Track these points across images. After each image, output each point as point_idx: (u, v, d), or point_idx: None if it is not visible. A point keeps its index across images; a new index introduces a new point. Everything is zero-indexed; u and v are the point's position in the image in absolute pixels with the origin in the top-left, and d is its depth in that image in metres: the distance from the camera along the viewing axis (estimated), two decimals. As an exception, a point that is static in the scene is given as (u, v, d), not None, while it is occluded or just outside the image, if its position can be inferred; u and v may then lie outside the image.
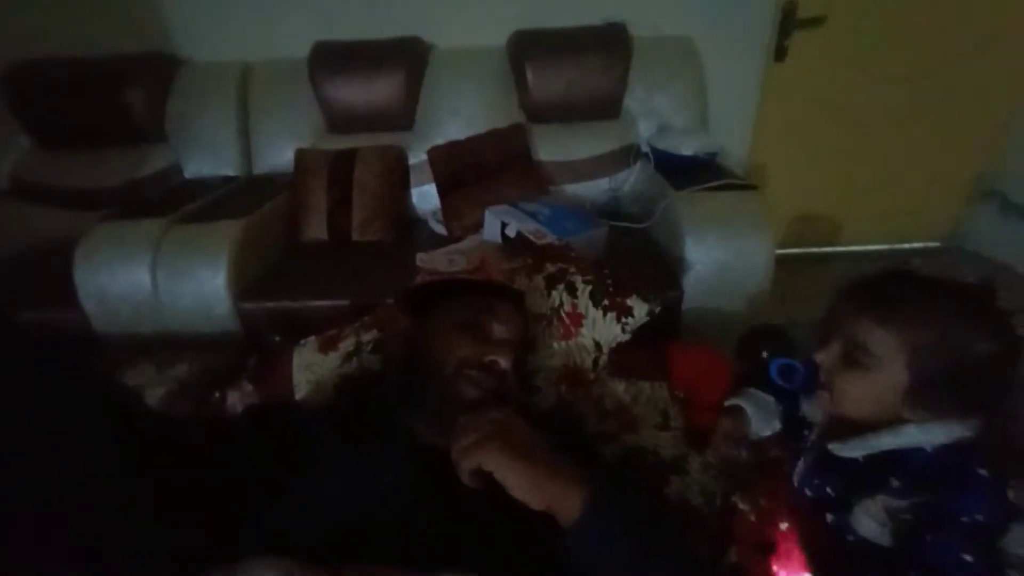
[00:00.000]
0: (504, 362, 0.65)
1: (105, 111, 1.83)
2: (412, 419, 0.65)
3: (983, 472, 0.54)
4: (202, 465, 0.53)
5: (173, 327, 1.42)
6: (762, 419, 0.77)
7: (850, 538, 0.60)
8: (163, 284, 1.39)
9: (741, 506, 0.68)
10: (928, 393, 0.55)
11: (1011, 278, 1.96)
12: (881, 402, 0.58)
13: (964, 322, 0.54)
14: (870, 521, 0.58)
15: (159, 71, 1.85)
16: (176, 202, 1.60)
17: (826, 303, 0.64)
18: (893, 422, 0.58)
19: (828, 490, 0.64)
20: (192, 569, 0.45)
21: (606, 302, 0.83)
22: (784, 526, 0.65)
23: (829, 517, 0.63)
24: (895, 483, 0.57)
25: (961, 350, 0.53)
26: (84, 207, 1.81)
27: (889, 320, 0.56)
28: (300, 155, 1.73)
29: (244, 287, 1.42)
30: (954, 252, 2.21)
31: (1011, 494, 0.53)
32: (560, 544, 0.50)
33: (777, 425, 0.76)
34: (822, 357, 0.61)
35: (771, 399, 0.77)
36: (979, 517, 0.52)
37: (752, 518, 0.66)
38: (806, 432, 0.70)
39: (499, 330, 0.69)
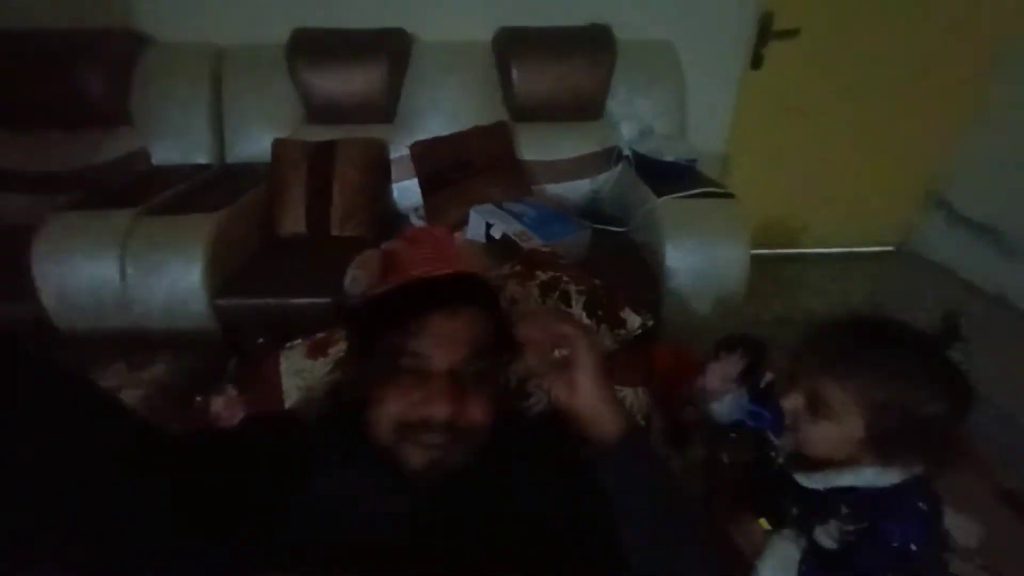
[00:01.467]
0: (441, 412, 0.53)
1: (61, 89, 1.71)
2: None
3: (922, 505, 0.62)
4: (201, 476, 0.51)
5: (143, 323, 1.37)
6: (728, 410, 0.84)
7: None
8: (132, 279, 1.33)
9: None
10: (882, 444, 0.62)
11: (953, 283, 2.12)
12: (839, 448, 0.64)
13: (916, 382, 0.60)
14: (827, 539, 0.66)
15: (122, 49, 1.75)
16: (145, 191, 1.53)
17: (790, 352, 0.70)
18: (852, 461, 0.64)
19: (793, 509, 0.71)
20: None
21: (600, 312, 0.86)
22: None
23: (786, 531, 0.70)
24: (845, 510, 0.64)
25: (913, 409, 0.59)
26: (40, 191, 1.70)
27: (847, 379, 0.62)
28: (278, 145, 1.68)
29: (220, 283, 1.38)
30: (905, 257, 2.36)
31: (945, 521, 0.63)
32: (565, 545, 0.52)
33: (727, 407, 0.82)
34: (787, 404, 0.67)
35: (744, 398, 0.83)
36: (912, 546, 0.60)
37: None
38: (772, 454, 0.76)
39: (438, 355, 0.55)
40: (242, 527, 0.50)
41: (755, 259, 1.37)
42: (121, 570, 0.41)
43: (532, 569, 0.52)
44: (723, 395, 0.87)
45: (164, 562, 0.44)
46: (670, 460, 0.85)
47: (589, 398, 0.55)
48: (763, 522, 0.72)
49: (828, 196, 2.25)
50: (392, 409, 0.55)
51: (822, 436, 0.64)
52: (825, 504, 0.65)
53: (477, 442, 0.57)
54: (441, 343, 0.55)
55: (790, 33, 1.85)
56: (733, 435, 0.88)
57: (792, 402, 0.66)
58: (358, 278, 0.64)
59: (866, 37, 1.92)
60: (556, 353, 0.58)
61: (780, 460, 0.73)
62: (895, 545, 0.60)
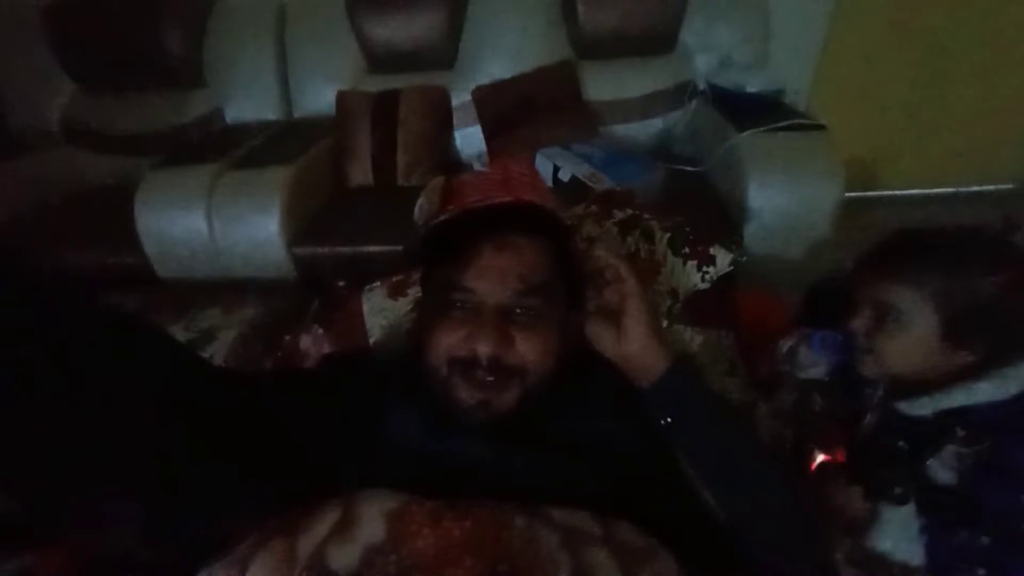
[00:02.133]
0: (486, 349, 0.50)
1: (143, 50, 1.80)
2: None
3: None
4: (276, 416, 0.51)
5: (231, 271, 1.46)
6: (813, 357, 0.78)
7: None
8: (219, 230, 1.42)
9: (820, 456, 0.68)
10: (963, 334, 0.58)
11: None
12: (923, 353, 0.60)
13: (972, 259, 0.59)
14: (946, 470, 0.59)
15: (194, 6, 1.80)
16: (223, 147, 1.60)
17: (854, 268, 0.68)
18: (957, 377, 0.60)
19: (901, 444, 0.65)
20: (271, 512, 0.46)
21: (686, 250, 0.81)
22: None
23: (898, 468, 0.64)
24: (960, 432, 0.59)
25: (976, 284, 0.57)
26: (131, 152, 1.83)
27: (903, 274, 0.60)
28: (342, 98, 1.69)
29: (296, 232, 1.44)
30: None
31: None
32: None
33: (823, 372, 0.76)
34: (856, 324, 0.64)
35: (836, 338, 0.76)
36: None
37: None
38: (869, 390, 0.70)
39: (485, 288, 0.52)
40: (309, 461, 0.51)
41: (848, 201, 1.24)
42: (188, 500, 0.42)
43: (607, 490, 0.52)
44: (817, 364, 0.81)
45: (228, 494, 0.46)
46: (755, 407, 0.81)
47: (638, 345, 0.52)
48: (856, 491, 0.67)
49: (935, 128, 1.98)
50: (443, 344, 0.53)
51: (900, 347, 0.61)
52: (937, 430, 0.60)
53: (533, 385, 0.53)
54: (488, 275, 0.52)
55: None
56: (826, 379, 0.81)
57: (861, 322, 0.63)
58: (422, 207, 0.62)
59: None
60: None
61: (879, 394, 0.67)
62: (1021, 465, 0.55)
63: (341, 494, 0.45)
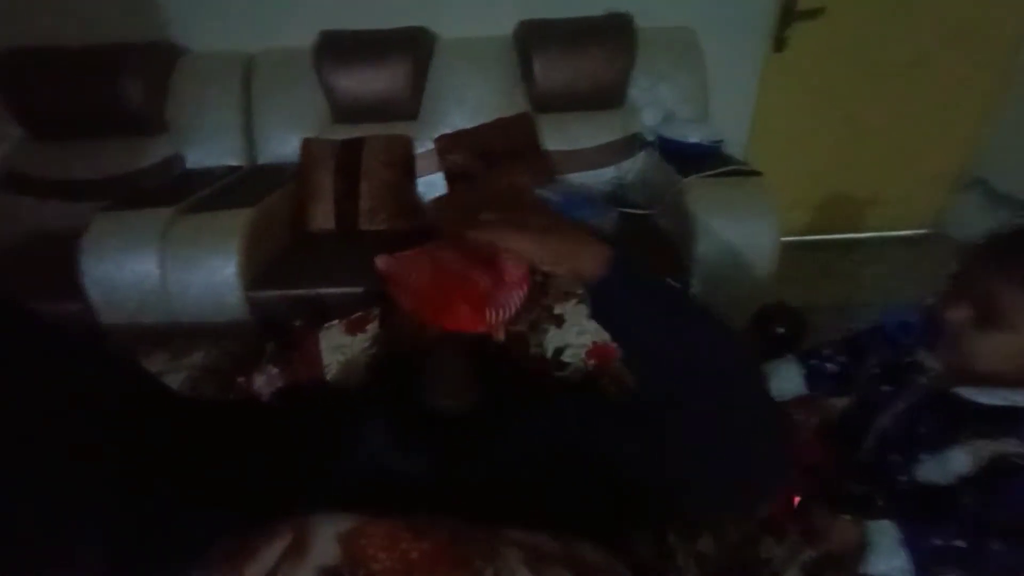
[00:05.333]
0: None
1: (102, 101, 1.79)
2: (424, 388, 0.63)
3: None
4: (236, 447, 0.52)
5: (181, 317, 1.41)
6: (782, 381, 0.81)
7: (903, 478, 0.64)
8: (172, 274, 1.37)
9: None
10: None
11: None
12: (1012, 360, 0.59)
13: None
14: (967, 459, 0.60)
15: (159, 60, 1.82)
16: (181, 191, 1.58)
17: (961, 257, 0.64)
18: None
19: (922, 429, 0.65)
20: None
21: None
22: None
23: (895, 456, 0.66)
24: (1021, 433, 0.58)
25: None
26: (82, 198, 1.77)
27: (1018, 278, 0.57)
28: (307, 144, 1.72)
29: (254, 276, 1.41)
30: (940, 240, 2.28)
31: None
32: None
33: (802, 388, 0.79)
34: (954, 316, 0.61)
35: (794, 366, 0.80)
36: None
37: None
38: (913, 375, 0.70)
39: None
40: (269, 490, 0.51)
41: (781, 246, 1.34)
42: (145, 535, 0.42)
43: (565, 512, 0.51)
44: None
45: (186, 525, 0.45)
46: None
47: (561, 269, 0.50)
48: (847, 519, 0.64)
49: (856, 179, 2.20)
50: None
51: (993, 348, 0.59)
52: (998, 422, 0.59)
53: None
54: None
55: (814, 13, 1.83)
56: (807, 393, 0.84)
57: (959, 313, 0.61)
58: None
59: (894, 13, 1.88)
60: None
61: (923, 381, 0.68)
62: None
63: (291, 517, 0.43)
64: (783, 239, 1.32)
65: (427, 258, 0.60)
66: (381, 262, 0.62)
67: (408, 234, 0.67)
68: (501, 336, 0.65)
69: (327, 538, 0.40)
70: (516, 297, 0.59)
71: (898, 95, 2.03)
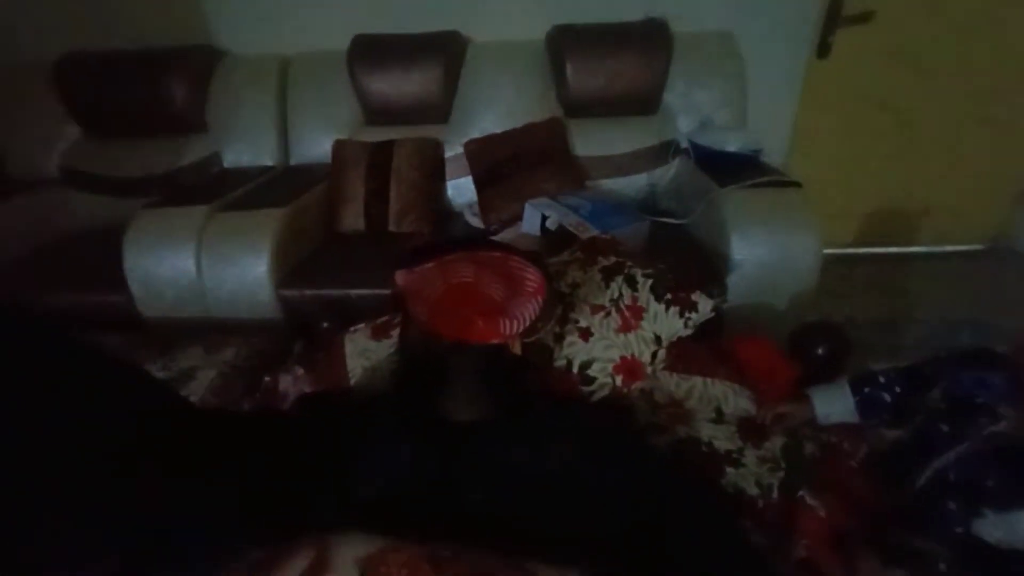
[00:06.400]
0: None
1: (149, 102, 1.86)
2: (441, 398, 0.63)
3: None
4: (255, 458, 0.53)
5: (216, 312, 1.44)
6: (830, 407, 0.77)
7: (958, 529, 0.59)
8: (207, 270, 1.41)
9: (810, 501, 0.66)
10: None
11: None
12: None
13: None
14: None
15: (201, 63, 1.88)
16: (217, 190, 1.62)
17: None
18: None
19: (990, 482, 0.62)
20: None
21: (668, 296, 0.82)
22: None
23: (953, 505, 0.61)
24: None
25: None
26: (129, 194, 1.85)
27: None
28: (339, 146, 1.74)
29: (285, 274, 1.44)
30: (998, 255, 2.15)
31: None
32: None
33: (852, 415, 0.74)
34: None
35: (844, 391, 0.76)
36: None
37: (821, 514, 0.65)
38: (983, 420, 0.67)
39: None
40: (282, 500, 0.51)
41: (825, 258, 1.28)
42: (170, 543, 0.42)
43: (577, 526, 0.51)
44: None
45: (206, 532, 0.45)
46: (743, 452, 0.80)
47: None
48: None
49: (907, 190, 2.09)
50: None
51: None
52: None
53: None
54: None
55: (863, 17, 1.75)
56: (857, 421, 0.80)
57: None
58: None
59: (948, 16, 1.78)
60: None
61: (996, 429, 0.64)
62: None
63: (312, 534, 0.43)
64: (826, 251, 1.27)
65: (442, 272, 0.61)
66: (399, 277, 0.62)
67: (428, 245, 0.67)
68: (517, 349, 0.65)
69: (347, 562, 0.40)
70: (532, 307, 0.59)
71: (953, 101, 1.92)
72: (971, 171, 2.04)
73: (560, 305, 0.84)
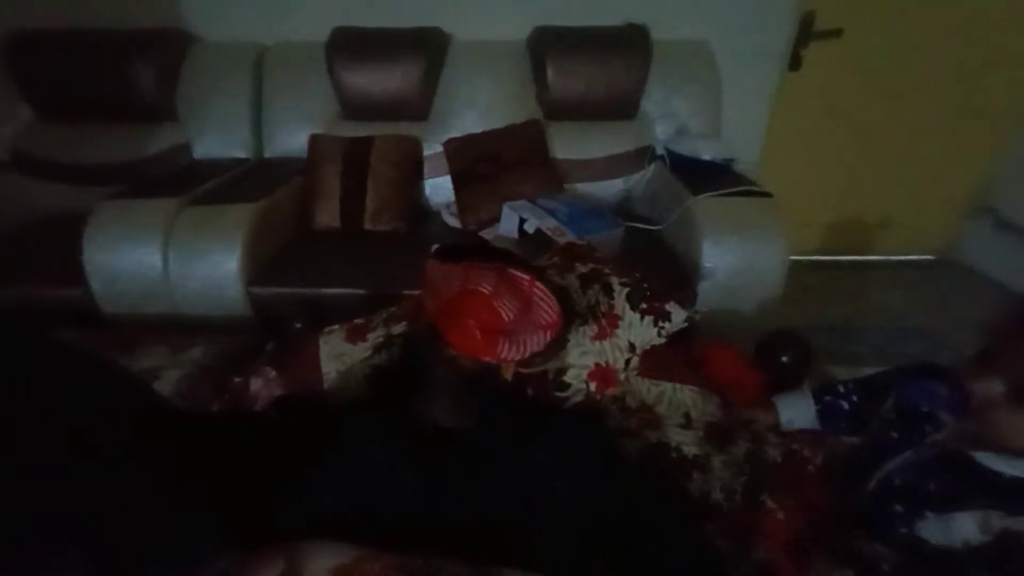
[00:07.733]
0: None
1: (113, 85, 1.78)
2: (427, 401, 0.64)
3: None
4: (229, 461, 0.52)
5: (182, 309, 1.40)
6: (794, 413, 0.81)
7: (903, 530, 0.62)
8: (174, 265, 1.37)
9: (770, 504, 0.69)
10: None
11: (998, 293, 2.02)
12: None
13: None
14: (974, 527, 0.59)
15: (171, 47, 1.81)
16: (187, 182, 1.57)
17: (992, 331, 0.63)
18: None
19: (932, 486, 0.64)
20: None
21: (644, 305, 0.84)
22: None
23: (899, 507, 0.64)
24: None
25: None
26: (89, 183, 1.77)
27: None
28: (315, 141, 1.71)
29: (256, 271, 1.40)
30: (948, 266, 2.27)
31: None
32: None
33: (813, 422, 0.78)
34: (982, 389, 0.61)
35: (807, 399, 0.80)
36: None
37: (780, 516, 0.68)
38: (927, 428, 0.70)
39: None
40: (262, 501, 0.51)
41: (789, 264, 1.33)
42: (136, 548, 0.41)
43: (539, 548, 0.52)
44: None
45: (180, 537, 0.44)
46: (709, 458, 0.83)
47: None
48: None
49: (868, 202, 2.19)
50: None
51: (1019, 428, 0.58)
52: (1020, 496, 0.58)
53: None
54: None
55: (832, 33, 1.81)
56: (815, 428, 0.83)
57: (988, 388, 0.60)
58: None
59: (912, 38, 1.87)
60: None
61: (939, 437, 0.67)
62: None
63: (281, 542, 0.43)
64: (791, 258, 1.32)
65: (465, 274, 0.60)
66: (431, 264, 0.62)
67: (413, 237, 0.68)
68: (508, 376, 0.64)
69: (319, 572, 0.40)
70: (537, 339, 0.58)
71: (912, 119, 2.01)
72: (926, 186, 2.15)
73: (565, 349, 0.82)
